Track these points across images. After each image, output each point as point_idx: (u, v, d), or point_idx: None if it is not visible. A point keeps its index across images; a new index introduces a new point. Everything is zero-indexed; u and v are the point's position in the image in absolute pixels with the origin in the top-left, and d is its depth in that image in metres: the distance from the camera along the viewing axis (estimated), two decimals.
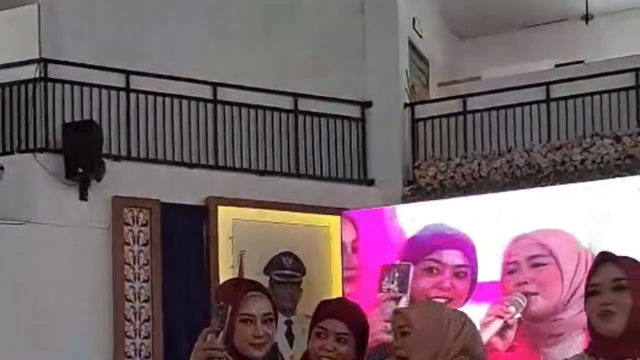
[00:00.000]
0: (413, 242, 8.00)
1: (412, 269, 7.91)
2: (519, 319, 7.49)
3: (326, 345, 3.06)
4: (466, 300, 7.71)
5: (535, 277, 7.50)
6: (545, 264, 7.47)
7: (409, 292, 7.89)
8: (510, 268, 7.58)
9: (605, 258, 2.61)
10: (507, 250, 7.59)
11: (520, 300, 7.48)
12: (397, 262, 8.00)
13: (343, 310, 3.14)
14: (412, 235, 8.01)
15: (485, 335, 7.17)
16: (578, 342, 6.80)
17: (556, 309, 7.35)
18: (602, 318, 2.54)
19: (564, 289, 7.32)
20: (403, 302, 7.78)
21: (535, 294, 7.47)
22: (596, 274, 2.59)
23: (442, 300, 7.44)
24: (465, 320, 2.89)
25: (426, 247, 7.94)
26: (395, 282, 7.96)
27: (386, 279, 8.00)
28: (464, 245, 7.79)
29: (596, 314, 2.56)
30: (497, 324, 7.49)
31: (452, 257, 7.85)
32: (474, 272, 7.73)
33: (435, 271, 7.88)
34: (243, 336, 2.94)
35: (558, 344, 7.29)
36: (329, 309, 3.17)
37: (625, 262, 2.59)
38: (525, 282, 7.51)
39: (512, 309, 7.50)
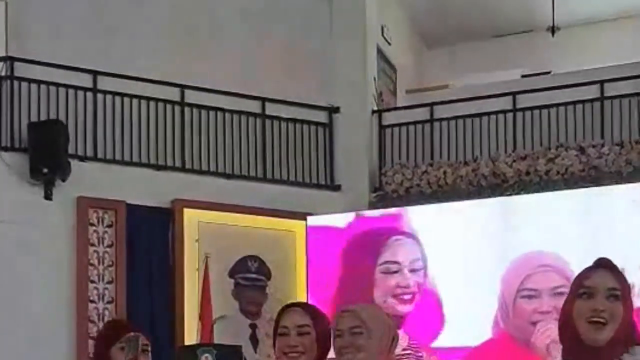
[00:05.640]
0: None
1: None
2: None
3: None
4: None
5: None
6: None
7: None
8: None
9: (601, 264, 2.58)
10: None
11: None
12: None
13: None
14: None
15: None
16: None
17: None
18: (592, 325, 2.48)
19: None
20: None
21: None
22: (591, 278, 2.54)
23: None
24: (397, 330, 2.98)
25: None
26: None
27: None
28: None
29: (585, 318, 2.50)
30: None
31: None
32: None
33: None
34: None
35: None
36: None
37: (620, 274, 2.56)
38: None
39: None
